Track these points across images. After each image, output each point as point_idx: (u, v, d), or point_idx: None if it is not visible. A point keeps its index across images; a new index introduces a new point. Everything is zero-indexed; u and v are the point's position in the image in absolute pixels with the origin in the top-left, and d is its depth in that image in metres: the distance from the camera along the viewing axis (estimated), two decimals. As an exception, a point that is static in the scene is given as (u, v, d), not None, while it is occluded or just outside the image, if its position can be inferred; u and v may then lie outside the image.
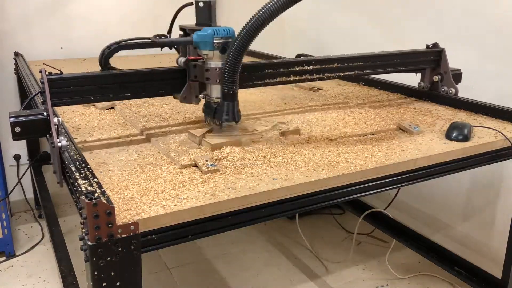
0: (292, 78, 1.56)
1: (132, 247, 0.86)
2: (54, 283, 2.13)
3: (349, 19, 2.72)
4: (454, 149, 1.34)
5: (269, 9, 1.20)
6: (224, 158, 1.22)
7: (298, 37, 3.21)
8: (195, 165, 1.16)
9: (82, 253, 0.86)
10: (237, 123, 1.37)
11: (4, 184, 2.31)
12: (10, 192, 2.50)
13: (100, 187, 0.92)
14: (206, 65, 1.32)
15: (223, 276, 2.20)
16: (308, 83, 2.05)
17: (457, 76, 1.88)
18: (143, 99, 1.79)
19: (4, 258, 2.32)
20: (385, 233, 2.33)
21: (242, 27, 1.24)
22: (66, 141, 1.10)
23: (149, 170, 1.14)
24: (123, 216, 0.89)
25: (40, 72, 1.21)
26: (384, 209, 2.22)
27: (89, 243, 0.83)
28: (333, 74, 1.66)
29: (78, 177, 0.97)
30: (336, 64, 1.65)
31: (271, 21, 1.23)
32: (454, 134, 1.41)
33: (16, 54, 2.54)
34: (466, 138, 1.40)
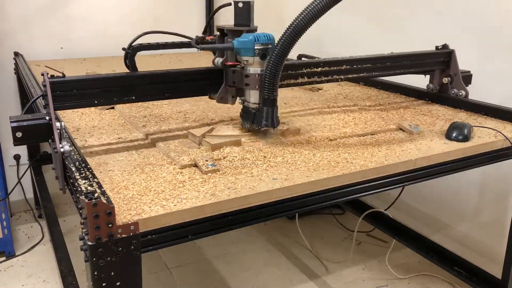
0: (300, 80, 1.55)
1: (132, 247, 0.86)
2: (54, 283, 2.13)
3: (350, 19, 2.72)
4: (454, 149, 1.34)
5: (309, 14, 1.17)
6: (224, 158, 1.22)
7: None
8: (195, 165, 1.16)
9: (82, 253, 0.86)
10: (275, 129, 1.38)
11: (4, 184, 2.31)
12: (10, 192, 2.50)
13: (100, 187, 0.92)
14: (245, 71, 1.31)
15: (223, 276, 2.20)
16: (308, 83, 2.05)
17: (467, 78, 1.84)
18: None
19: (4, 258, 2.32)
20: (385, 233, 2.33)
21: (283, 32, 1.22)
22: (69, 146, 1.06)
23: (149, 170, 1.14)
24: (123, 216, 0.89)
25: (42, 74, 1.19)
26: (385, 210, 2.22)
27: (89, 243, 0.83)
28: (342, 76, 1.64)
29: (78, 177, 0.97)
30: (345, 66, 1.63)
31: (311, 26, 1.19)
32: (454, 134, 1.41)
33: (16, 54, 2.54)
34: (466, 138, 1.40)
